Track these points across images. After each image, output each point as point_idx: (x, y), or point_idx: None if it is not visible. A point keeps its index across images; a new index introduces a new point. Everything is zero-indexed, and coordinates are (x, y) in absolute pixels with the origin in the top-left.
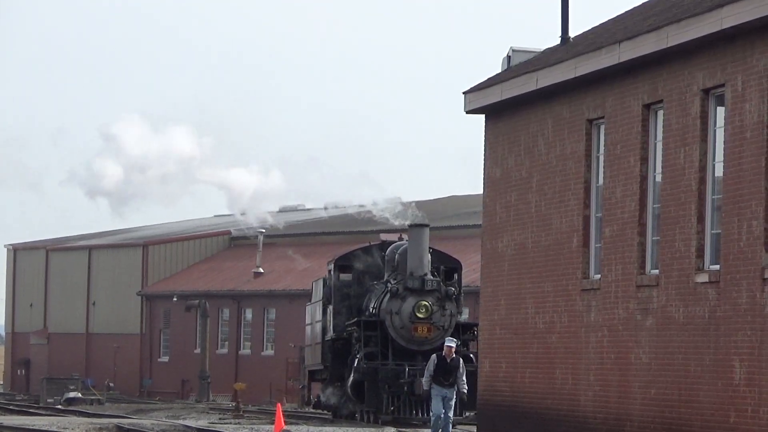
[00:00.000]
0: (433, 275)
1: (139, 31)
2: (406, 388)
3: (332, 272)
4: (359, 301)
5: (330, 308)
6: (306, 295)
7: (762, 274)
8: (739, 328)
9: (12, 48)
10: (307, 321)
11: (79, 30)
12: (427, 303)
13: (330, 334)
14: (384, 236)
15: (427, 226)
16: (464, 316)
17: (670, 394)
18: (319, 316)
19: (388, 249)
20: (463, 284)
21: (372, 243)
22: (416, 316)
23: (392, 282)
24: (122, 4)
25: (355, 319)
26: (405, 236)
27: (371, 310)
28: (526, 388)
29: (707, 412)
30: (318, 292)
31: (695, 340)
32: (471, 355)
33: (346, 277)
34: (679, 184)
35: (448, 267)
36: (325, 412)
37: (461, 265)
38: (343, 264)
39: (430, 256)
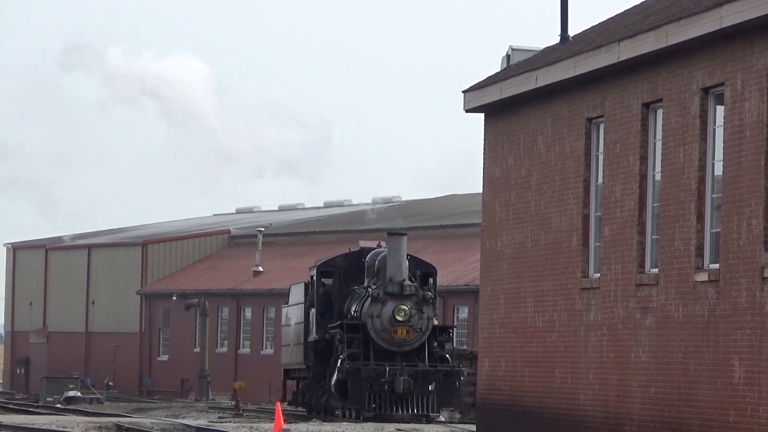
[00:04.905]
0: (410, 280)
1: None
2: (386, 386)
3: (315, 277)
4: (341, 305)
5: (313, 311)
6: None
7: (761, 273)
8: (739, 327)
9: None
10: (284, 322)
11: None
12: (405, 307)
13: (313, 335)
14: (363, 243)
15: (405, 234)
16: (464, 314)
17: (670, 393)
18: (297, 317)
19: (368, 255)
20: (462, 284)
21: (352, 250)
22: (396, 319)
23: (373, 287)
24: None
25: (338, 322)
26: (383, 243)
27: (353, 313)
28: (525, 387)
29: (707, 411)
30: (297, 296)
31: (695, 339)
32: (447, 356)
33: (327, 281)
34: (679, 183)
35: (423, 272)
36: (301, 408)
37: (436, 271)
38: (325, 269)
39: (407, 262)
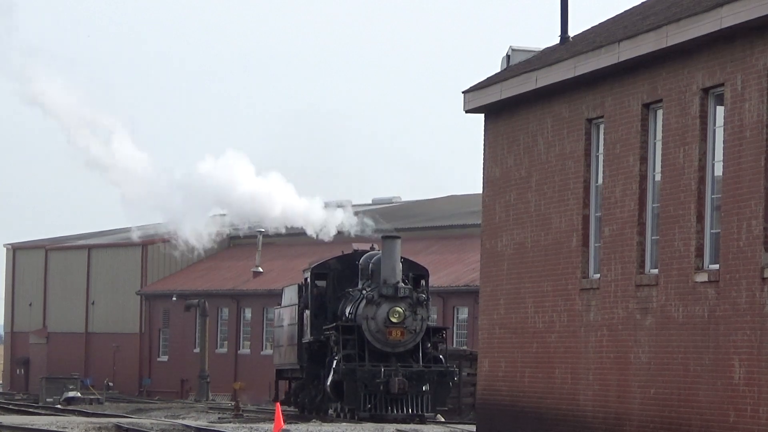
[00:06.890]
0: (404, 282)
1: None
2: (381, 387)
3: (309, 279)
4: (334, 307)
5: (307, 312)
6: None
7: (761, 274)
8: (739, 328)
9: None
10: (277, 323)
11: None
12: (400, 309)
13: (307, 337)
14: (356, 245)
15: (398, 237)
16: (463, 315)
17: (670, 394)
18: (290, 319)
19: (362, 258)
20: (462, 285)
21: (345, 252)
22: (390, 320)
23: (367, 289)
24: None
25: (333, 323)
26: (376, 246)
27: (347, 315)
28: (525, 387)
29: (706, 411)
30: (291, 297)
31: (695, 339)
32: (441, 357)
33: (321, 284)
34: (679, 184)
35: (416, 274)
36: (293, 408)
37: (428, 273)
38: (318, 272)
39: (401, 265)
